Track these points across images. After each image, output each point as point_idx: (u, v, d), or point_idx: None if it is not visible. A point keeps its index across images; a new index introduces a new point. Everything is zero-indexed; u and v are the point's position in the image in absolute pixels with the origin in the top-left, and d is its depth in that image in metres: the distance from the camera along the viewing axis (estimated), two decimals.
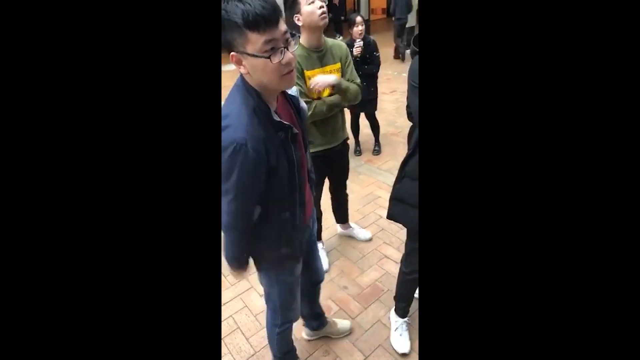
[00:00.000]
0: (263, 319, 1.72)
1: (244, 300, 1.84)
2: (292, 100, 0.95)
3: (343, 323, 1.63)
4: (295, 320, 1.30)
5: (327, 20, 1.41)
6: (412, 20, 6.63)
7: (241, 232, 0.92)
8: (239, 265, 1.02)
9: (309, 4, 1.36)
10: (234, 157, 0.76)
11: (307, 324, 1.57)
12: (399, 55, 6.49)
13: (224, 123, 0.78)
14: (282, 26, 0.73)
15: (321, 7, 1.37)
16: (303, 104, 1.00)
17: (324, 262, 2.00)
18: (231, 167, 0.78)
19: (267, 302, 1.25)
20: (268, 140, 0.81)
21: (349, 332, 1.63)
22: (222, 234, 0.94)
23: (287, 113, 0.93)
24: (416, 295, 1.70)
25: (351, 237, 2.24)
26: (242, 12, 0.68)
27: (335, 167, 1.82)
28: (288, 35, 0.75)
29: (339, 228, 2.26)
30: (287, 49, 0.74)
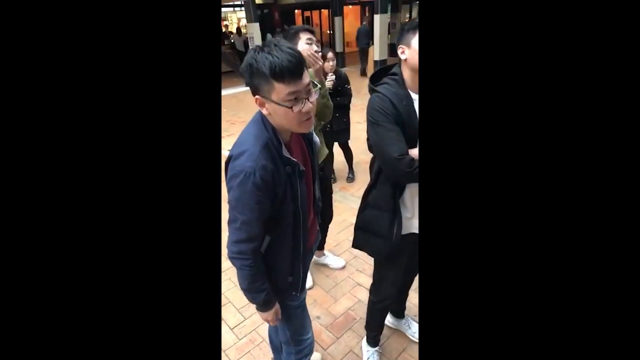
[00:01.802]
0: (233, 354, 1.68)
1: None
2: (305, 135, 1.01)
3: (313, 356, 1.60)
4: (310, 352, 1.28)
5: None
6: (377, 54, 7.25)
7: (250, 259, 0.93)
8: (258, 300, 1.00)
9: (307, 43, 1.57)
10: (243, 184, 0.82)
11: (277, 358, 1.54)
12: (364, 73, 8.51)
13: (238, 150, 0.85)
14: (306, 78, 0.79)
15: (316, 51, 1.58)
16: (316, 139, 1.07)
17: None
18: (240, 194, 0.84)
19: (281, 340, 1.27)
20: (276, 172, 0.86)
21: None
22: (236, 268, 0.95)
23: (299, 146, 0.99)
24: (387, 322, 1.70)
25: (324, 265, 2.25)
26: (270, 64, 0.74)
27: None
28: (310, 86, 0.82)
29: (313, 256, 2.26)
30: (309, 100, 0.81)
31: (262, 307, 1.04)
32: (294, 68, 0.75)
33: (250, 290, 0.98)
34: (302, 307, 1.21)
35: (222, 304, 1.98)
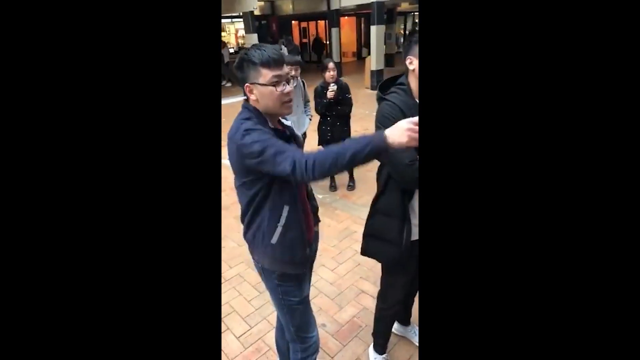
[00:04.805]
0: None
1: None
2: (288, 129, 1.16)
3: None
4: (316, 350, 1.30)
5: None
6: (373, 64, 7.32)
7: (310, 157, 0.88)
8: (367, 142, 0.85)
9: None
10: (248, 131, 0.95)
11: None
12: None
13: (229, 133, 1.00)
14: (286, 69, 1.02)
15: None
16: (298, 134, 1.20)
17: None
18: (253, 138, 0.94)
19: (287, 338, 1.31)
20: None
21: None
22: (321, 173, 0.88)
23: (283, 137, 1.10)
24: (393, 329, 1.71)
25: (326, 270, 2.25)
26: (259, 55, 0.98)
27: None
28: (290, 76, 1.04)
29: None
30: (288, 84, 1.02)
31: (383, 139, 0.84)
32: (277, 58, 0.98)
33: (350, 152, 0.86)
34: (305, 304, 1.24)
35: (227, 313, 1.97)
